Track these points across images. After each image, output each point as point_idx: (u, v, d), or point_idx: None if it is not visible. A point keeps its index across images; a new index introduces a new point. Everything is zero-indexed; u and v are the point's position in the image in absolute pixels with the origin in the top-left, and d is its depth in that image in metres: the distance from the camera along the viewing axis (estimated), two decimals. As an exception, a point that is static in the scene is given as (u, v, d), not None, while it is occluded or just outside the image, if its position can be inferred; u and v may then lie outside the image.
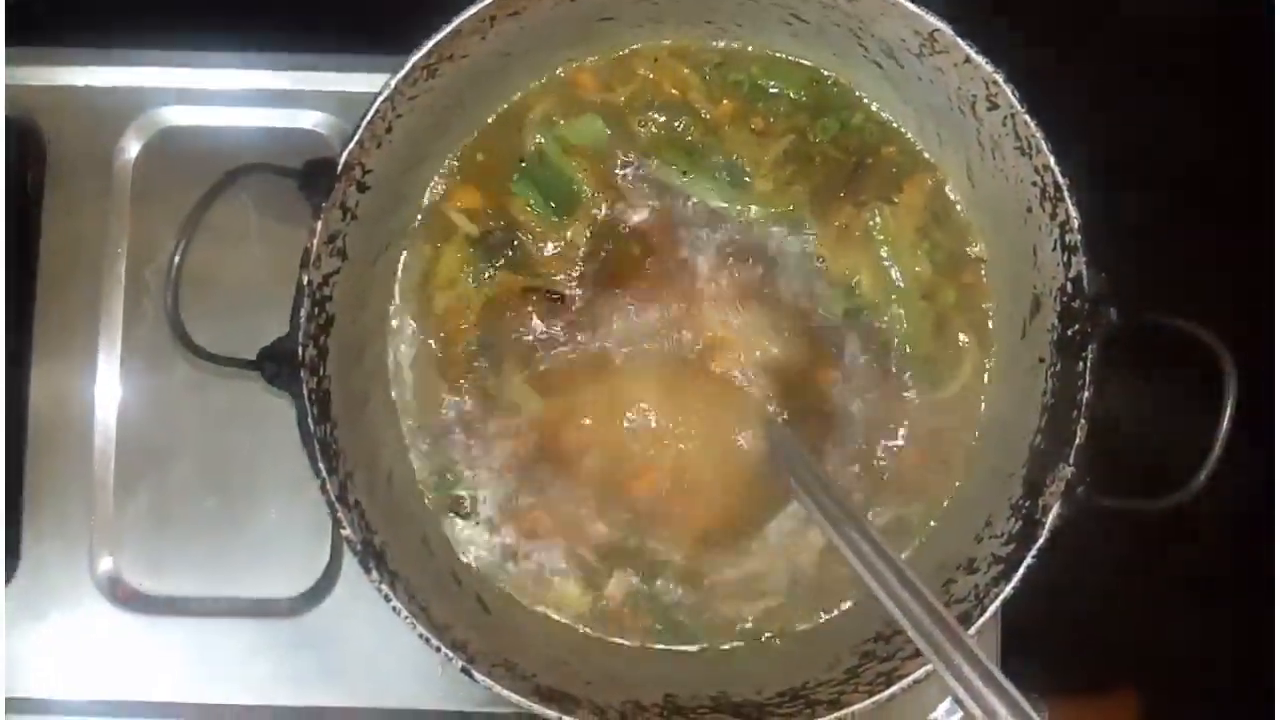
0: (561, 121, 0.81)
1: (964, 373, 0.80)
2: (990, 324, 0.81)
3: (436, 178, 0.82)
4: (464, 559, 0.79)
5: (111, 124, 0.92)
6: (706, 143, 0.82)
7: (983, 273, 0.81)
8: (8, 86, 0.91)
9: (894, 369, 0.80)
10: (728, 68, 0.82)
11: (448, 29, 0.70)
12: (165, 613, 0.88)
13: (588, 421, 0.80)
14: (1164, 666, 0.94)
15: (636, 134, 0.82)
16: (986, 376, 0.80)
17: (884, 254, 0.81)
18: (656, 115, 0.82)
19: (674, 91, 0.82)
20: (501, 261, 0.81)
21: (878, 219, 0.81)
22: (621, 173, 0.82)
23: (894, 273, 0.81)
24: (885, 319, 0.80)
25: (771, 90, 0.82)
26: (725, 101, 0.82)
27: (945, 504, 0.80)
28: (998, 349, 0.80)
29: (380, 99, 0.71)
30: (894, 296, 0.81)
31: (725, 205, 0.81)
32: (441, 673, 0.86)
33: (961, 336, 0.81)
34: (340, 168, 0.70)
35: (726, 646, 0.79)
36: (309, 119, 0.92)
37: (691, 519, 0.80)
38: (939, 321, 0.81)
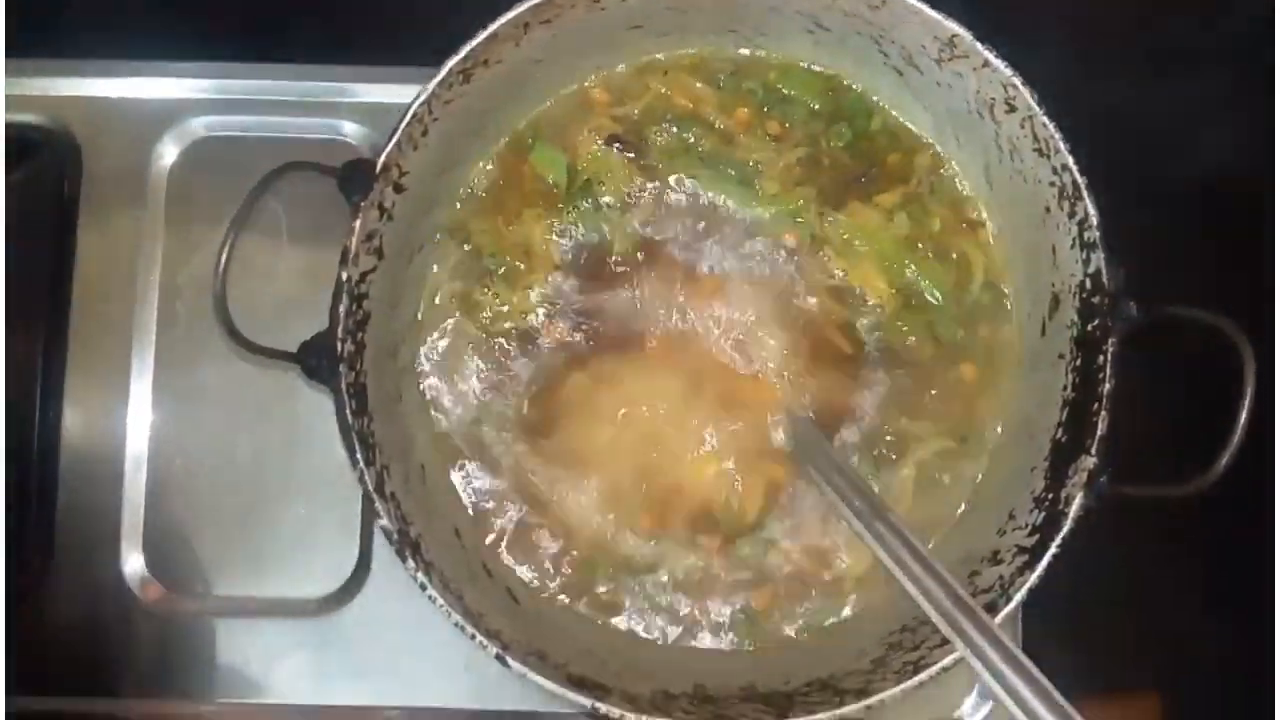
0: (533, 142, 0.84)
1: (975, 284, 0.82)
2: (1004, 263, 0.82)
3: (464, 186, 0.84)
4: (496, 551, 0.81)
5: (146, 135, 0.94)
6: (720, 151, 0.84)
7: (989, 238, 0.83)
8: (40, 98, 0.94)
9: (915, 344, 0.82)
10: (742, 75, 0.85)
11: (484, 34, 0.73)
12: (194, 613, 0.89)
13: (603, 422, 0.82)
14: (1186, 667, 0.94)
15: (653, 144, 0.84)
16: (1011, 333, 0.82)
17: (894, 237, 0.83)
18: (670, 127, 0.84)
19: (686, 104, 0.84)
20: (517, 269, 0.83)
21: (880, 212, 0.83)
22: (636, 181, 0.84)
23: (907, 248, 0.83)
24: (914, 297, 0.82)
25: (788, 95, 0.84)
26: (741, 110, 0.84)
27: (968, 499, 0.81)
28: (1018, 342, 0.82)
29: (418, 102, 0.73)
30: (911, 271, 0.82)
31: (737, 206, 0.83)
32: (467, 668, 0.87)
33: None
34: (379, 168, 0.73)
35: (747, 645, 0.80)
36: (342, 129, 0.94)
37: (711, 516, 0.81)
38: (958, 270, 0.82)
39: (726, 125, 0.84)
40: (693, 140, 0.84)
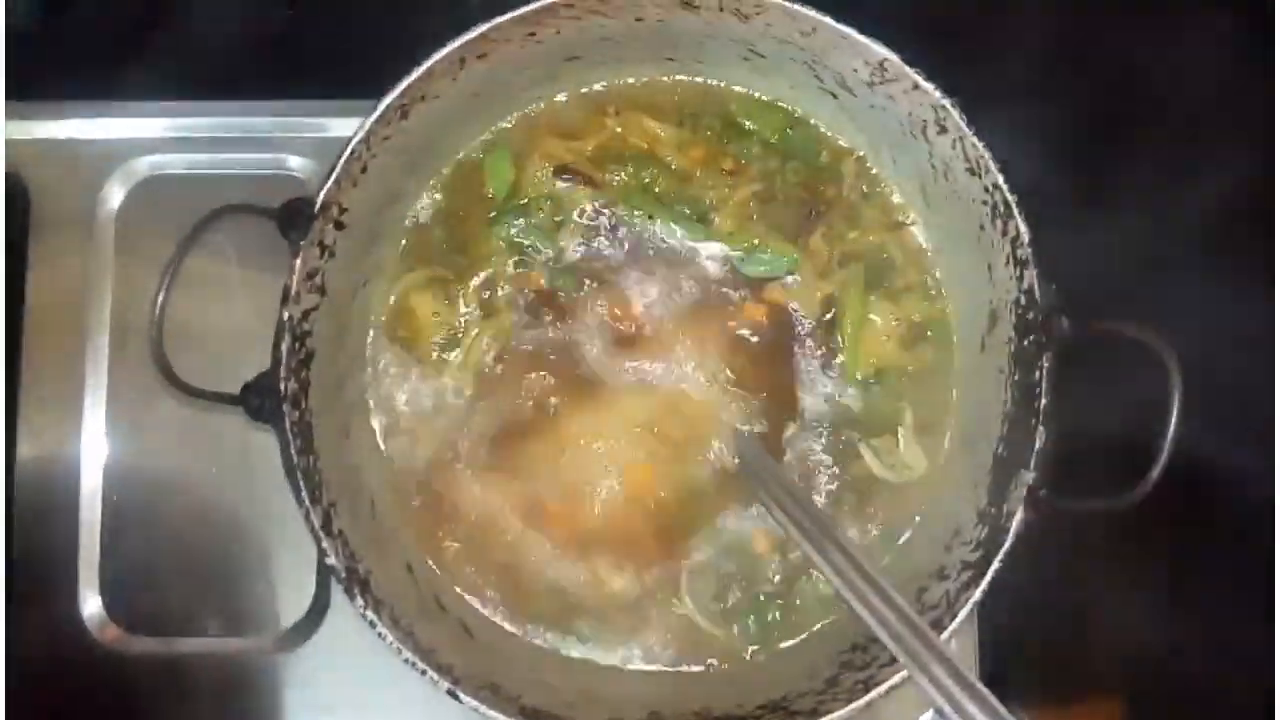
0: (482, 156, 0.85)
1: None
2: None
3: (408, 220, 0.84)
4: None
5: (94, 174, 0.94)
6: (675, 190, 0.84)
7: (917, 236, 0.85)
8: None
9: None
10: (702, 110, 0.85)
11: (419, 70, 0.73)
12: (153, 652, 0.89)
13: (553, 454, 0.82)
14: (1146, 672, 0.95)
15: (607, 182, 0.84)
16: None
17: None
18: (626, 166, 0.84)
19: (641, 144, 0.85)
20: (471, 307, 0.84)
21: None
22: (588, 219, 0.84)
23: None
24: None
25: (746, 129, 0.85)
26: (696, 150, 0.85)
27: (917, 517, 0.82)
28: (958, 359, 0.83)
29: (355, 139, 0.73)
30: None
31: (692, 241, 0.84)
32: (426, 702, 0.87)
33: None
34: (318, 206, 0.73)
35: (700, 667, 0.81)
36: (288, 163, 0.95)
37: (658, 541, 0.82)
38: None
39: (681, 164, 0.85)
40: (649, 180, 0.84)
